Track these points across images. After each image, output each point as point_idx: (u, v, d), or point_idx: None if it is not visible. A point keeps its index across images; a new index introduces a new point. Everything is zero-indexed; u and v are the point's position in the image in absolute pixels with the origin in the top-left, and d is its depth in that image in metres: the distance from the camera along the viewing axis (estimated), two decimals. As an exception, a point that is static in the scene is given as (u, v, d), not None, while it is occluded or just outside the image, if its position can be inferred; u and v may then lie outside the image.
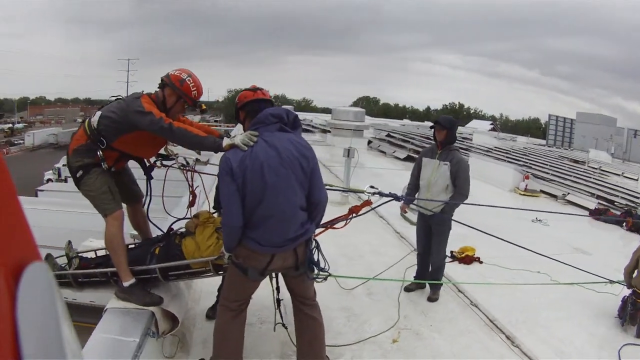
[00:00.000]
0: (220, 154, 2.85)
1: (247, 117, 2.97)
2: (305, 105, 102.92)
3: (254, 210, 2.72)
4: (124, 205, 3.33)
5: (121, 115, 3.00)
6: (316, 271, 3.04)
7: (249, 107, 2.97)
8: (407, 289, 4.77)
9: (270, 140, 2.72)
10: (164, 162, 3.57)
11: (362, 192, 3.70)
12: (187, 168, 3.59)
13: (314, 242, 2.95)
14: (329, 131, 20.14)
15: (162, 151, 3.53)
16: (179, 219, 3.60)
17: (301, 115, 35.94)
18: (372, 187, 3.61)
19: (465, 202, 4.59)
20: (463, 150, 19.69)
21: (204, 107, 3.29)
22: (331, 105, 22.52)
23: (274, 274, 3.22)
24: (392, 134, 23.84)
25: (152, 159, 3.53)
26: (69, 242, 3.67)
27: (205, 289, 4.21)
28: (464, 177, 4.53)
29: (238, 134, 2.84)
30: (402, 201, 4.64)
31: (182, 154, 3.60)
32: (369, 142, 21.12)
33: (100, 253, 3.70)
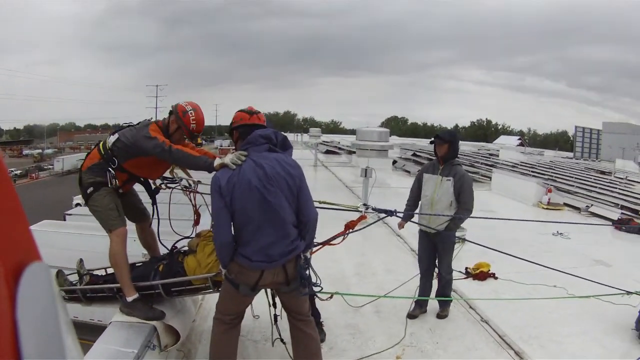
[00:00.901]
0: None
1: (239, 137, 3.09)
2: (334, 127, 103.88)
3: (243, 227, 2.82)
4: (133, 224, 3.56)
5: (132, 140, 3.23)
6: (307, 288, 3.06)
7: (243, 128, 3.08)
8: (411, 316, 4.54)
9: (257, 160, 2.83)
10: (169, 185, 3.79)
11: (356, 209, 3.74)
12: (190, 189, 3.80)
13: (303, 258, 2.98)
14: (355, 152, 20.15)
15: (167, 175, 3.75)
16: (183, 238, 3.74)
17: (328, 138, 36.15)
18: (365, 204, 3.66)
19: (485, 217, 4.50)
20: (487, 167, 19.50)
21: (200, 141, 3.45)
22: (359, 126, 22.52)
23: (269, 290, 3.28)
24: (418, 153, 23.66)
25: (158, 182, 3.73)
26: (81, 259, 3.83)
27: (214, 307, 4.26)
28: (469, 192, 4.39)
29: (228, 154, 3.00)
30: (400, 219, 4.55)
31: (185, 177, 3.82)
32: (394, 162, 21.00)
33: (111, 271, 3.81)
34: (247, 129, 3.05)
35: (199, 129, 3.37)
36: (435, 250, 4.62)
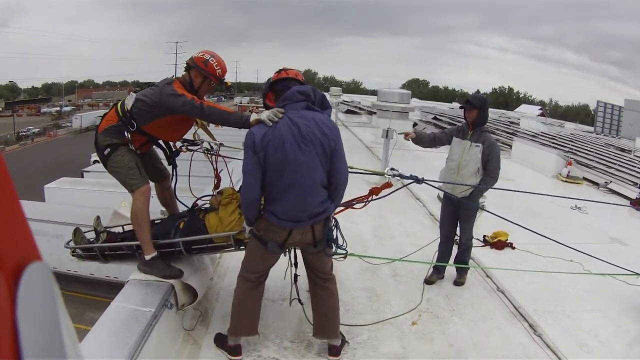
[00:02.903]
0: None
1: (275, 96, 3.05)
2: (355, 87, 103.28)
3: (274, 184, 2.81)
4: (151, 183, 3.49)
5: (155, 99, 3.16)
6: (334, 249, 3.08)
7: (276, 86, 3.05)
8: (428, 282, 4.56)
9: (293, 118, 2.78)
10: (190, 147, 3.74)
11: (382, 174, 3.67)
12: (212, 152, 3.74)
13: (333, 221, 3.00)
14: (375, 113, 19.94)
15: (188, 136, 3.69)
16: (204, 196, 3.72)
17: (349, 97, 35.88)
18: (392, 169, 3.57)
19: (506, 188, 4.44)
20: (509, 135, 19.24)
21: (229, 84, 3.40)
22: (380, 87, 22.12)
23: (291, 250, 3.29)
24: (438, 117, 23.44)
25: (178, 144, 3.68)
26: (98, 217, 3.82)
27: (232, 265, 4.27)
28: (496, 161, 4.33)
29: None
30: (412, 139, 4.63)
31: (207, 140, 3.76)
32: (414, 124, 20.65)
33: (128, 228, 3.82)
34: (281, 85, 3.02)
35: (224, 73, 3.32)
36: (457, 216, 4.59)
